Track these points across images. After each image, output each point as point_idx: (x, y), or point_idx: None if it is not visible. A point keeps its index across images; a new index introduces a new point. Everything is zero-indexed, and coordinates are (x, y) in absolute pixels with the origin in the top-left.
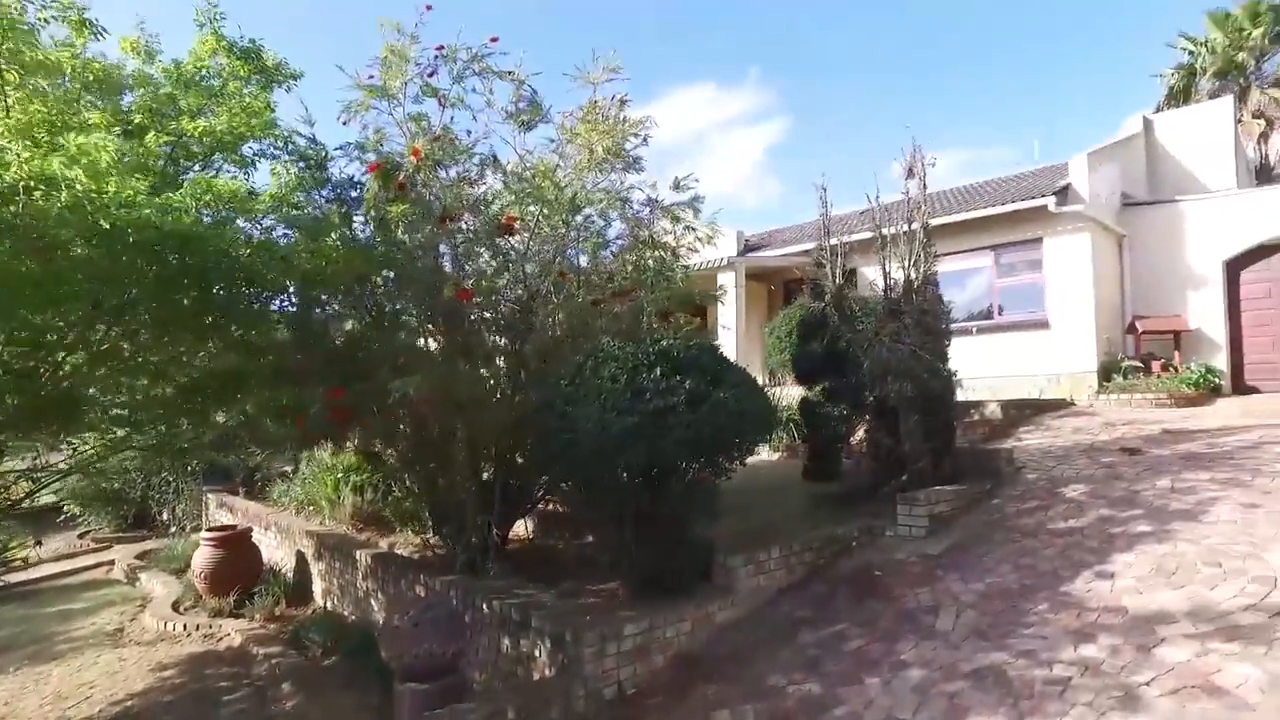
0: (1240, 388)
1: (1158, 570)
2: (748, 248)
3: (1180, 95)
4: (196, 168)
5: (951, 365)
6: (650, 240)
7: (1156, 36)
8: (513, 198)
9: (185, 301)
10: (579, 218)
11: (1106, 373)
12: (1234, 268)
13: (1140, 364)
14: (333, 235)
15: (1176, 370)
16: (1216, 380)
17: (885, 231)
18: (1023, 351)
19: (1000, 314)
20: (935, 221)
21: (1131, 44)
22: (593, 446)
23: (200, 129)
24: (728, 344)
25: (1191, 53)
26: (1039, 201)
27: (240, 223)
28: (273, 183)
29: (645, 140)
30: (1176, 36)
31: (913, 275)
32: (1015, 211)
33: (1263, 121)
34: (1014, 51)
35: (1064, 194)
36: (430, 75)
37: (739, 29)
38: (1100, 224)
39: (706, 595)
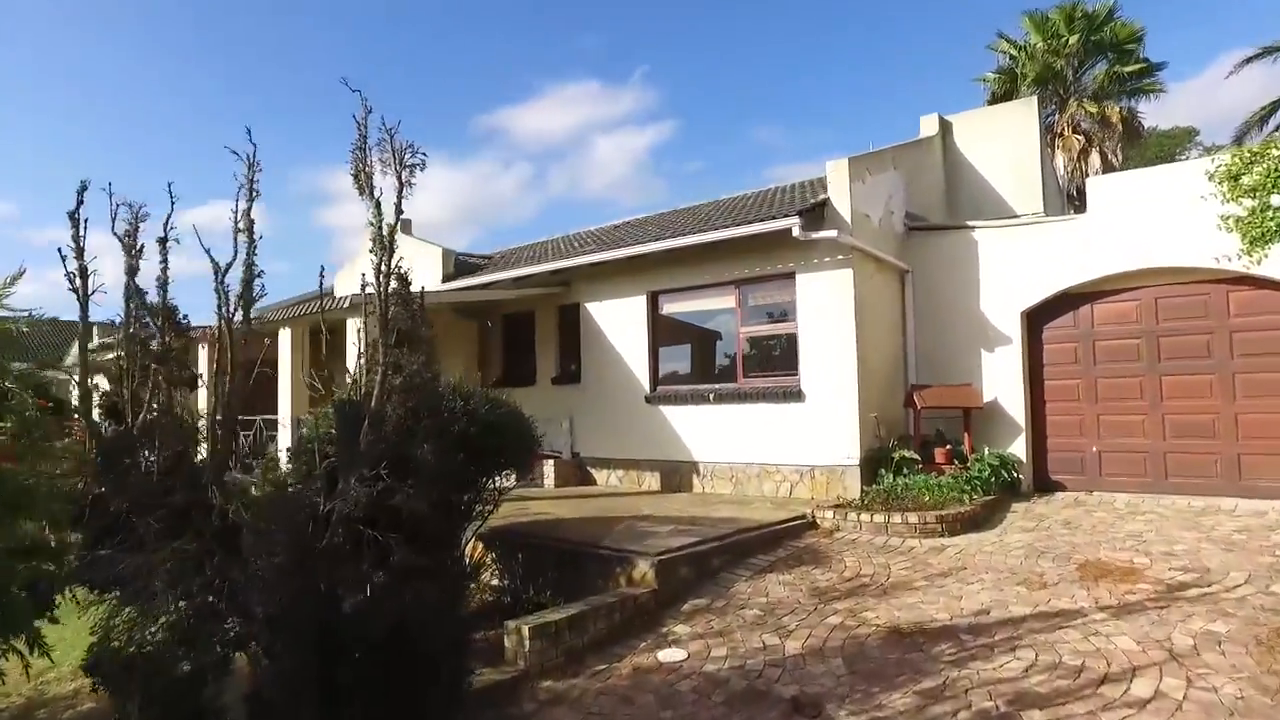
0: (1043, 483)
1: None
2: (459, 271)
3: (1003, 102)
4: None
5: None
6: None
7: (981, 37)
8: None
9: None
10: None
11: (875, 465)
12: (1035, 321)
13: (917, 455)
14: None
15: (965, 462)
16: (1014, 474)
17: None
18: (772, 430)
19: (745, 376)
20: (660, 246)
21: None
22: None
23: None
24: None
25: (1013, 57)
26: (781, 223)
27: None
28: None
29: None
30: (996, 38)
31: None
32: (756, 236)
33: (1081, 138)
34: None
35: (817, 213)
36: None
37: (622, 27)
38: (870, 255)
39: None
